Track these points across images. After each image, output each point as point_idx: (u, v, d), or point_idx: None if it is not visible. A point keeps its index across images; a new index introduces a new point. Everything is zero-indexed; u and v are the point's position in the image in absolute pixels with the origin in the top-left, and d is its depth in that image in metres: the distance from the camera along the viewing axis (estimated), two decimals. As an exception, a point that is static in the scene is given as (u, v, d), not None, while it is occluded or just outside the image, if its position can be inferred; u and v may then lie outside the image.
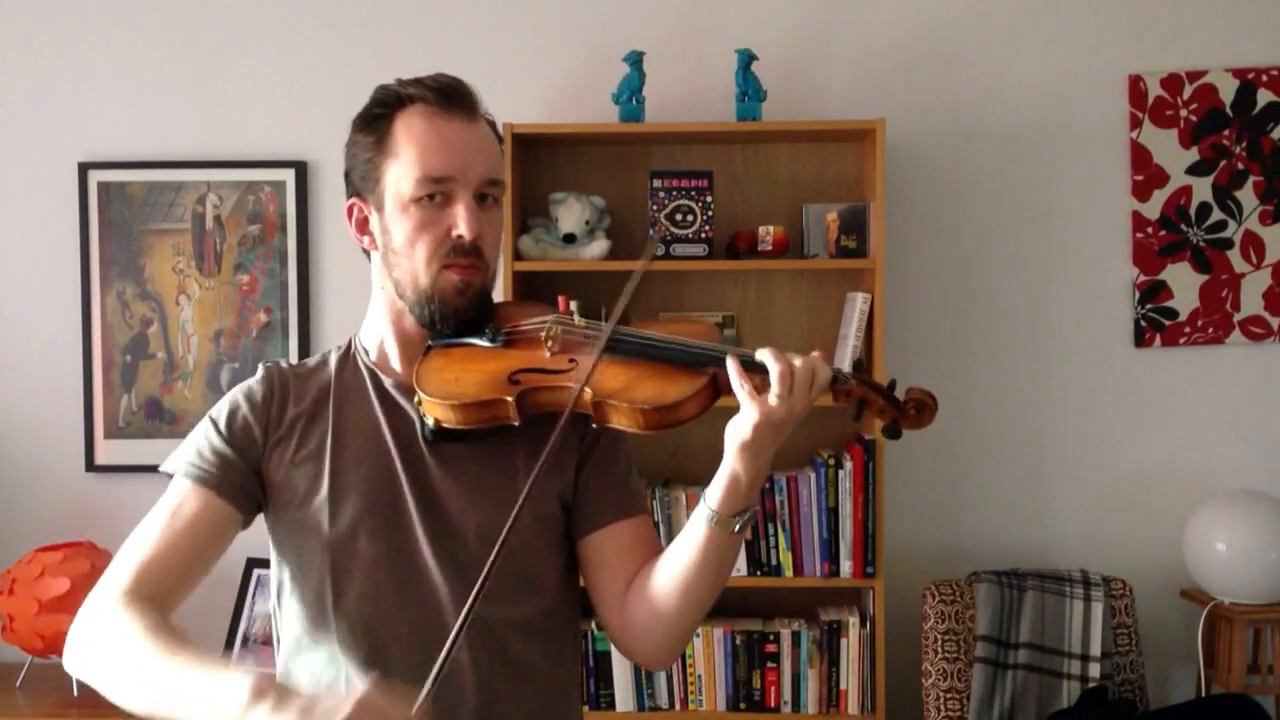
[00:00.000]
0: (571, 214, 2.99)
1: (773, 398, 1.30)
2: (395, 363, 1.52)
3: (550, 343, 1.45)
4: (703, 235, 2.97)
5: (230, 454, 1.46)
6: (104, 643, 1.32)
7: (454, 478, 1.46)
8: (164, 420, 3.25)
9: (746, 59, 3.02)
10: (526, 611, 1.47)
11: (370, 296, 1.54)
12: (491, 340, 1.46)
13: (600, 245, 3.00)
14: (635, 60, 3.01)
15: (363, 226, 1.49)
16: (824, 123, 3.05)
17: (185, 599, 1.42)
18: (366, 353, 1.54)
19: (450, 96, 1.44)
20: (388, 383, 1.51)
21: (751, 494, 1.37)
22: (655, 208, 2.97)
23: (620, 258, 3.05)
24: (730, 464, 1.35)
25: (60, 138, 3.26)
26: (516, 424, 1.40)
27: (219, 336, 3.26)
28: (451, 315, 1.45)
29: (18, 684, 3.03)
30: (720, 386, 1.38)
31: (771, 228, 3.00)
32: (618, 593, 1.48)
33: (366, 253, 1.52)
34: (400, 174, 1.42)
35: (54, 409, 3.27)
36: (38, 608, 2.91)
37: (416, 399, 1.43)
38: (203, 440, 1.48)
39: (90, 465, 3.25)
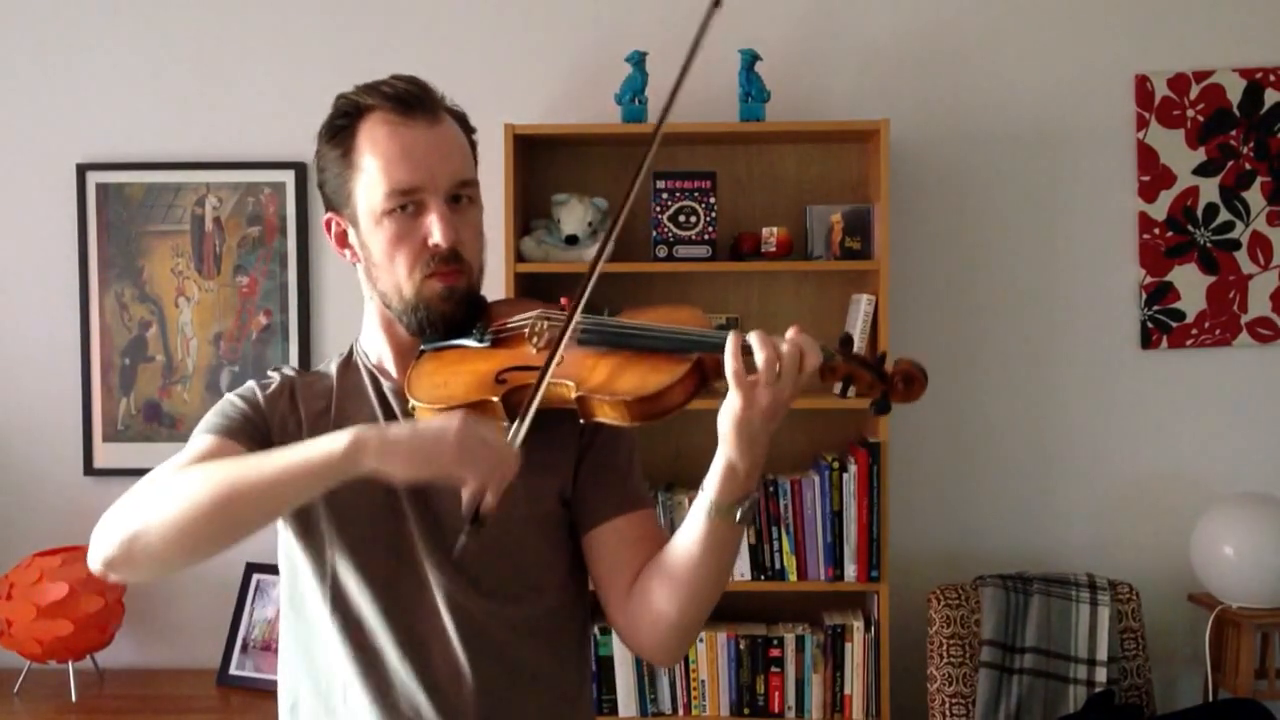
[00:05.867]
0: (574, 215, 2.97)
1: (761, 384, 1.26)
2: (392, 367, 1.53)
3: (535, 339, 1.43)
4: (706, 237, 2.95)
5: (254, 416, 1.46)
6: (167, 482, 1.30)
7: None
8: (163, 424, 3.23)
9: (750, 59, 2.99)
10: (528, 611, 1.46)
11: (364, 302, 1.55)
12: (480, 340, 1.45)
13: (603, 247, 2.98)
14: (638, 60, 2.99)
15: (342, 240, 1.50)
16: (828, 124, 3.03)
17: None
18: (367, 355, 1.56)
19: (408, 102, 1.41)
20: (386, 386, 1.52)
21: (749, 481, 1.34)
22: (658, 209, 2.95)
23: (623, 260, 3.03)
24: (725, 452, 1.32)
25: (59, 139, 3.23)
26: (506, 423, 1.38)
27: (218, 339, 3.24)
28: (440, 321, 1.45)
29: (15, 690, 3.01)
30: (707, 372, 1.34)
31: (775, 229, 2.98)
32: (622, 589, 1.47)
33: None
34: (368, 188, 1.42)
35: (52, 412, 3.25)
36: (35, 612, 2.89)
37: (410, 404, 1.42)
38: (225, 406, 1.48)
39: (89, 469, 3.23)
